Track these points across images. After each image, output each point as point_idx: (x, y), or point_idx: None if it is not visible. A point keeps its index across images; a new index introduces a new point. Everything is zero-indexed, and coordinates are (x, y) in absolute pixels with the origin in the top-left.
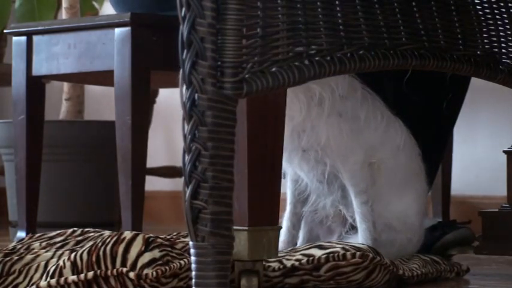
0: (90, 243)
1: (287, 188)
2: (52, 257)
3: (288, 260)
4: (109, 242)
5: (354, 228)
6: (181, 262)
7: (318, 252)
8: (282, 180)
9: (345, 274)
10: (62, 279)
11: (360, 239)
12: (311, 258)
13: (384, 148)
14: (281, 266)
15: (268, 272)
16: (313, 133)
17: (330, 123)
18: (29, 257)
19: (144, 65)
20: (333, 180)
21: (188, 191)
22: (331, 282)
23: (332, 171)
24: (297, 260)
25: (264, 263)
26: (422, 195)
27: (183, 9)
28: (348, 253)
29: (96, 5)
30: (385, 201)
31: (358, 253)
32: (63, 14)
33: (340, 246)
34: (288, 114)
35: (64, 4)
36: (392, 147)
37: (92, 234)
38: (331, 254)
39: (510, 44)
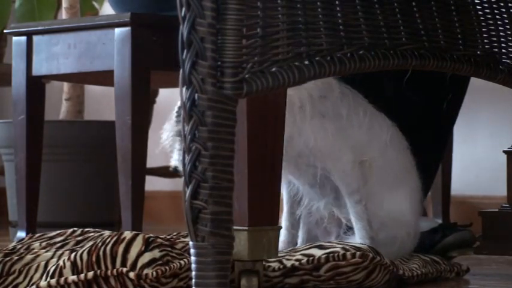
0: (90, 243)
1: (283, 189)
2: (52, 257)
3: (288, 260)
4: (109, 242)
5: (351, 229)
6: (181, 262)
7: (318, 252)
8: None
9: (345, 274)
10: (62, 279)
11: (356, 238)
12: (311, 258)
13: (371, 145)
14: (281, 266)
15: (268, 272)
16: (301, 138)
17: (315, 125)
18: (29, 257)
19: (144, 65)
20: (325, 182)
21: (188, 191)
22: (331, 282)
23: (323, 173)
24: (297, 260)
25: (264, 263)
26: (415, 190)
27: (183, 9)
28: (348, 253)
29: (96, 5)
30: (378, 199)
31: (358, 253)
32: (63, 14)
33: (340, 246)
34: None
35: (64, 4)
36: (380, 144)
37: (92, 234)
38: (331, 254)
39: (510, 44)
